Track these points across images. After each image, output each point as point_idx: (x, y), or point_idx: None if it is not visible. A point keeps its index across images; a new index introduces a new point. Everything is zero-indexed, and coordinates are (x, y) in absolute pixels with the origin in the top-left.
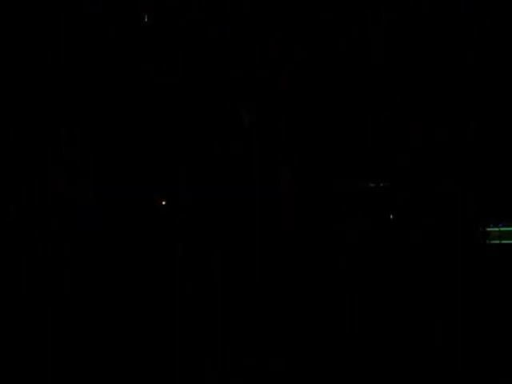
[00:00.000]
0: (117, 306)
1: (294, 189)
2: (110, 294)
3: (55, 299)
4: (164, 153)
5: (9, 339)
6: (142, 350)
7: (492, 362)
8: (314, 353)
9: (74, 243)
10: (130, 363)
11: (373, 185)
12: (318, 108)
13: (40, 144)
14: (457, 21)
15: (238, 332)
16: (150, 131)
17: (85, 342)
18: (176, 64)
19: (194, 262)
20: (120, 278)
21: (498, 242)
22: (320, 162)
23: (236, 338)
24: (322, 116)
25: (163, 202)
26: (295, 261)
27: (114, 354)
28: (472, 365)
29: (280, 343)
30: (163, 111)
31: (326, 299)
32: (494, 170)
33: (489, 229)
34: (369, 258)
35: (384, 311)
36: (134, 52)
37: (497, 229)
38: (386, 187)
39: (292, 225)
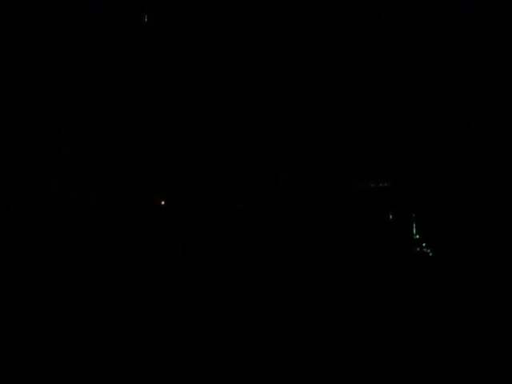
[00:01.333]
0: (116, 306)
1: (294, 189)
2: (110, 293)
3: (55, 299)
4: (164, 153)
5: (8, 339)
6: (141, 349)
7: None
8: (314, 353)
9: (74, 243)
10: (130, 363)
11: (372, 185)
12: (318, 108)
13: (40, 144)
14: (457, 21)
15: (238, 332)
16: (150, 131)
17: (84, 342)
18: (176, 64)
19: (193, 261)
20: (120, 278)
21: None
22: (320, 162)
23: (236, 338)
24: (321, 116)
25: (163, 202)
26: (295, 261)
27: (114, 353)
28: (472, 365)
29: (280, 343)
30: (163, 111)
31: (326, 299)
32: (494, 171)
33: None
34: (369, 258)
35: (384, 311)
36: (133, 52)
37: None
38: (385, 188)
39: (292, 225)
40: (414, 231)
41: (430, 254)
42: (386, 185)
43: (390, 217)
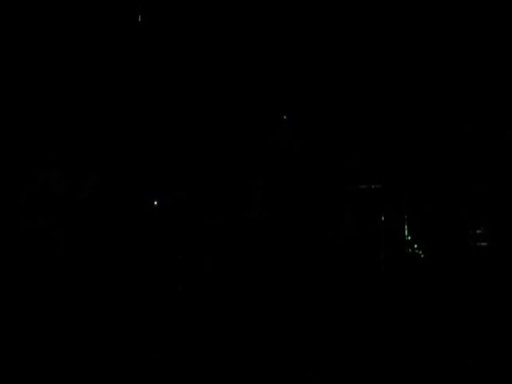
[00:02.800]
0: (115, 306)
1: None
2: (109, 292)
3: (54, 299)
4: (161, 154)
5: (8, 337)
6: (140, 348)
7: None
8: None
9: (73, 242)
10: (129, 363)
11: (364, 186)
12: (318, 108)
13: (39, 143)
14: (457, 21)
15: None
16: (149, 133)
17: (82, 342)
18: (177, 66)
19: (191, 261)
20: (118, 277)
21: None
22: (319, 163)
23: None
24: (321, 116)
25: (158, 203)
26: (291, 259)
27: (113, 353)
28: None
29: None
30: (161, 113)
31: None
32: (490, 173)
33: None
34: (364, 258)
35: (382, 310)
36: (135, 56)
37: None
38: (377, 189)
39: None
40: (406, 232)
41: (422, 256)
42: (377, 186)
43: (383, 218)
